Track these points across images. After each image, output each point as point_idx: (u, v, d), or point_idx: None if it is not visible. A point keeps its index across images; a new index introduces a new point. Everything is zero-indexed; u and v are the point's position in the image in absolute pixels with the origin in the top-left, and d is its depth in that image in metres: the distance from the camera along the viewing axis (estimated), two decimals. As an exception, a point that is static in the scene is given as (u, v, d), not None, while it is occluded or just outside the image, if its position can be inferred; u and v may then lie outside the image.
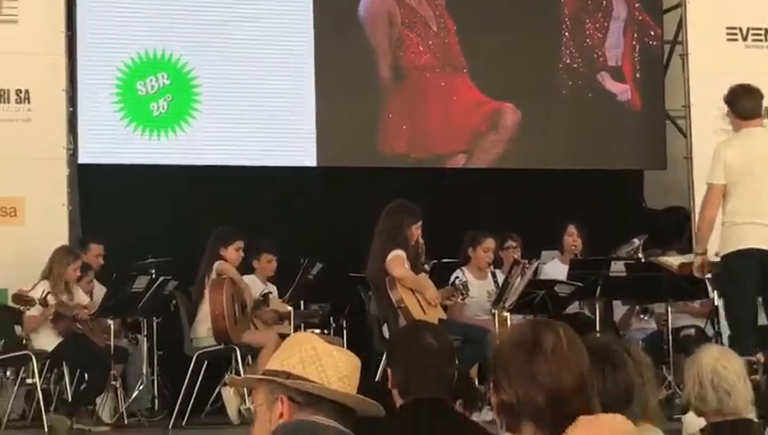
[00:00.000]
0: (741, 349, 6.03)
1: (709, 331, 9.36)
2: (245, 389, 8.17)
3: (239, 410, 9.11)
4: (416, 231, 9.01)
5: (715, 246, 8.42)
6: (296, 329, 9.70)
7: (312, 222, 11.67)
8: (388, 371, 3.97)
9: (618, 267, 9.60)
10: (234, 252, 9.70)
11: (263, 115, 11.43)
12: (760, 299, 8.64)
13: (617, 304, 10.58)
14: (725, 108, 8.47)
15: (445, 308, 9.44)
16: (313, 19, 11.55)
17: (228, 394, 9.22)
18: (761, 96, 8.41)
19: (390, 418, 3.65)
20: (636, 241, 10.45)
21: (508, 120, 12.08)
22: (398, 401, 3.91)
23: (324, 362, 3.04)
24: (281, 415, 3.00)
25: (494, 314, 9.27)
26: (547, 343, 2.71)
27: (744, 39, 11.97)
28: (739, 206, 8.11)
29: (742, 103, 8.31)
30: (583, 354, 2.75)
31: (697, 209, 10.74)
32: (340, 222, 11.59)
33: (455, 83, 11.99)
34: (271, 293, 10.15)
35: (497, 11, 12.02)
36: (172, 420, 9.35)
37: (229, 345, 9.49)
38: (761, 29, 11.99)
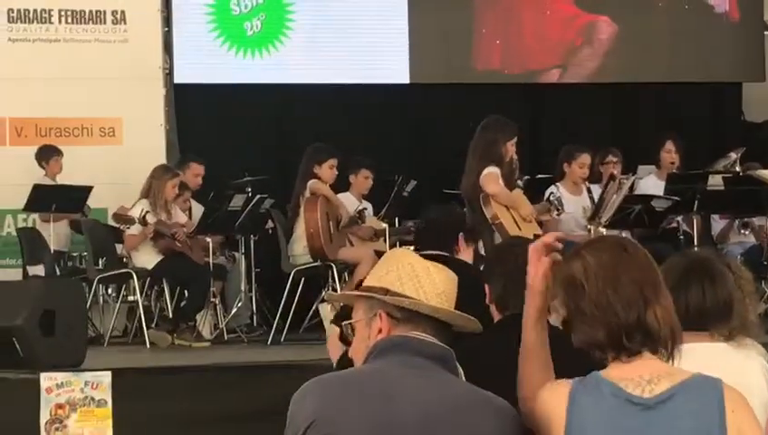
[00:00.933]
0: None
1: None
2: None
3: (335, 326, 9.17)
4: (510, 147, 8.96)
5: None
6: (392, 246, 9.73)
7: (405, 139, 11.68)
8: (486, 286, 3.99)
9: (715, 181, 9.50)
10: (328, 170, 9.73)
11: (355, 33, 11.43)
12: None
13: (715, 218, 10.48)
14: None
15: (540, 224, 9.41)
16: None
17: (325, 310, 9.27)
18: None
19: (488, 333, 3.67)
20: (733, 155, 10.31)
21: (603, 34, 11.94)
22: (496, 317, 3.92)
23: (422, 278, 3.06)
24: (380, 331, 3.03)
25: (589, 230, 9.23)
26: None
27: None
28: None
29: None
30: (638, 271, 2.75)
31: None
32: (434, 139, 11.59)
33: (549, -3, 11.87)
34: (366, 209, 10.20)
35: None
36: (270, 337, 9.47)
37: (325, 262, 9.56)
38: None
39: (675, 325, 2.76)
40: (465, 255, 5.58)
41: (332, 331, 4.96)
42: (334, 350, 4.76)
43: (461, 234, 5.65)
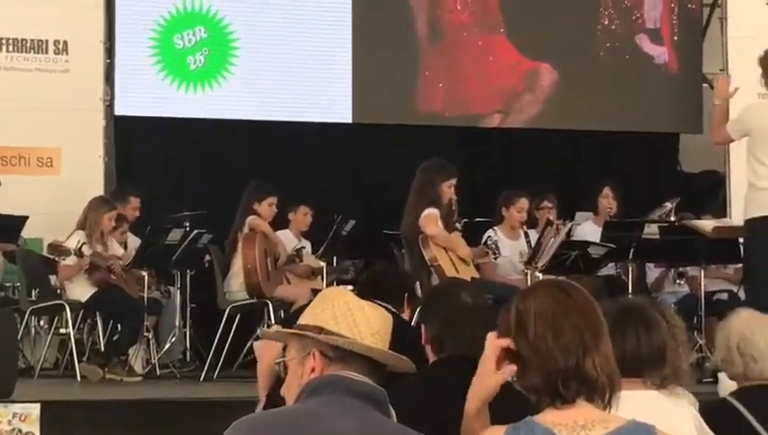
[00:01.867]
0: None
1: (742, 295, 9.33)
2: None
3: (270, 365, 9.13)
4: (449, 189, 9.00)
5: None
6: (329, 285, 9.73)
7: (346, 178, 11.69)
8: (422, 327, 3.99)
9: (651, 230, 9.58)
10: (267, 207, 9.73)
11: (299, 71, 11.44)
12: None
13: (650, 266, 10.57)
14: (760, 70, 8.41)
15: (478, 267, 9.44)
16: (351, -25, 11.54)
17: (260, 348, 9.25)
18: None
19: (422, 374, 3.66)
20: (669, 204, 10.41)
21: (545, 81, 12.03)
22: (431, 358, 3.92)
23: (357, 317, 3.05)
24: (312, 370, 3.01)
25: (526, 274, 9.28)
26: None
27: (785, 3, 11.87)
28: (763, 170, 8.08)
29: None
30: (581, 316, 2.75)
31: (732, 174, 10.77)
32: (374, 179, 11.60)
33: (492, 43, 11.95)
34: (304, 248, 10.19)
35: (536, -30, 11.96)
36: (203, 373, 9.41)
37: (261, 299, 9.53)
38: (801, -7, 11.88)
39: (613, 373, 2.74)
40: (406, 316, 5.61)
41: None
42: (263, 387, 4.74)
43: (406, 294, 5.67)
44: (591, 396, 2.71)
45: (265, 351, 5.05)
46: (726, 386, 4.94)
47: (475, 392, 2.97)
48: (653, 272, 10.62)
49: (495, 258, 9.56)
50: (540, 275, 8.96)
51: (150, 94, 11.19)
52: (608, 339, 2.76)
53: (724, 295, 9.92)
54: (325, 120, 11.56)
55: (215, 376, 9.36)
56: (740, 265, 9.49)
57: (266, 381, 4.94)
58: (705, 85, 12.48)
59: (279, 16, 11.41)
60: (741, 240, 9.10)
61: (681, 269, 10.41)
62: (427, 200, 8.91)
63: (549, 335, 2.70)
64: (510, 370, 2.79)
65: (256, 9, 11.40)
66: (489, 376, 2.89)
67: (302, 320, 3.11)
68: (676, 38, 12.32)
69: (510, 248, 9.81)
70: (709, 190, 12.09)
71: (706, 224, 9.42)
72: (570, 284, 2.85)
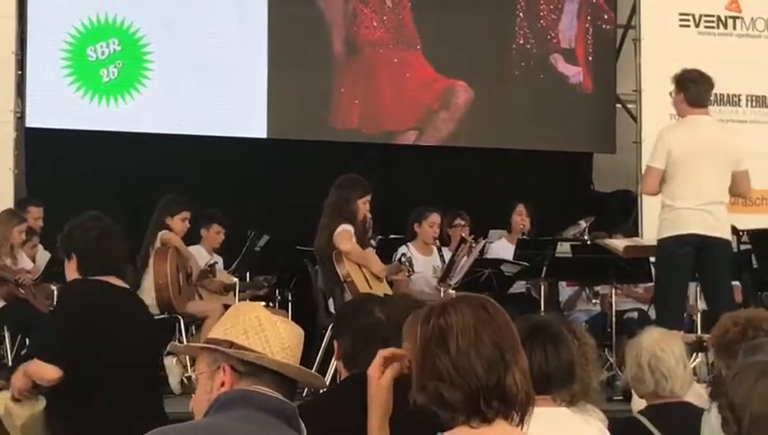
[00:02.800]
0: None
1: (652, 314, 9.42)
2: (188, 358, 8.14)
3: (181, 380, 9.06)
4: (364, 206, 9.00)
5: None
6: (241, 300, 9.67)
7: (260, 194, 11.64)
8: (335, 342, 3.96)
9: (564, 249, 9.65)
10: (180, 222, 9.65)
11: (213, 85, 11.37)
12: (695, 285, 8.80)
13: (562, 285, 10.65)
14: (673, 87, 8.53)
15: (391, 284, 9.44)
16: (267, -10, 11.51)
17: (171, 363, 9.16)
18: (712, 85, 8.49)
19: (334, 390, 3.64)
20: (582, 223, 10.50)
21: (460, 99, 12.08)
22: (343, 374, 3.90)
23: (268, 332, 3.03)
24: (222, 384, 2.99)
25: (439, 291, 9.30)
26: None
27: (697, 25, 12.04)
28: (680, 191, 8.20)
29: (697, 90, 8.38)
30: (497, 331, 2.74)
31: (643, 193, 10.86)
32: (288, 195, 11.57)
33: (408, 60, 11.98)
34: (216, 263, 10.12)
35: (452, -12, 12.01)
36: (113, 389, 9.28)
37: (173, 315, 9.44)
38: (713, 16, 12.06)
39: (530, 390, 2.73)
40: None
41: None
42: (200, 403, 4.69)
43: None
44: (509, 413, 2.70)
45: None
46: (638, 405, 4.99)
47: (372, 408, 2.96)
48: (566, 290, 10.70)
49: (409, 275, 9.57)
50: (453, 293, 8.97)
51: (62, 107, 11.06)
52: (524, 356, 2.75)
53: (635, 314, 10.01)
54: (240, 135, 11.50)
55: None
56: (650, 284, 9.60)
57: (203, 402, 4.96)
58: (618, 106, 12.62)
59: (194, 30, 11.34)
60: (652, 259, 9.21)
61: (596, 288, 10.52)
62: (342, 217, 8.90)
63: (472, 351, 2.68)
64: (393, 370, 2.78)
65: (171, 22, 11.32)
66: (377, 387, 2.88)
67: (212, 334, 3.09)
68: (590, 58, 12.43)
69: (423, 264, 9.83)
70: (622, 210, 12.21)
71: (618, 243, 9.51)
72: (488, 300, 2.83)
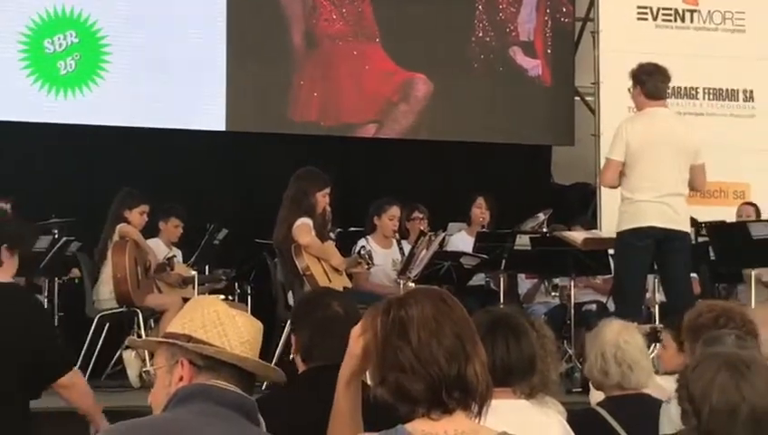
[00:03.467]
0: None
1: (611, 306, 9.47)
2: (147, 352, 8.10)
3: (140, 374, 9.03)
4: (323, 199, 8.99)
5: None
6: (200, 294, 9.64)
7: (219, 187, 11.60)
8: (292, 336, 3.96)
9: (523, 241, 9.67)
10: (138, 215, 9.61)
11: (172, 77, 11.32)
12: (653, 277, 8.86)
13: (521, 277, 10.68)
14: (632, 83, 8.57)
15: (350, 277, 9.44)
16: (227, -18, 11.47)
17: (129, 357, 9.12)
18: (669, 78, 8.53)
19: (293, 384, 3.63)
20: (541, 215, 10.53)
21: (420, 92, 12.09)
22: (301, 368, 3.89)
23: (226, 325, 3.02)
24: (181, 378, 2.97)
25: (399, 284, 9.30)
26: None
27: (655, 18, 12.09)
28: (639, 183, 8.24)
29: (653, 83, 8.42)
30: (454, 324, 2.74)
31: (603, 187, 10.91)
32: (247, 188, 11.54)
33: (367, 52, 11.97)
34: (175, 256, 10.08)
35: (412, -19, 12.01)
36: (71, 383, 9.23)
37: (131, 308, 9.41)
38: (671, 9, 12.11)
39: (489, 382, 2.74)
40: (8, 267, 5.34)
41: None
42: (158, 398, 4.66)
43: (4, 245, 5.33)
44: (469, 405, 2.70)
45: None
46: (597, 396, 5.01)
47: (345, 363, 2.97)
48: (525, 283, 10.73)
49: (368, 268, 9.57)
50: (412, 286, 8.97)
51: (20, 99, 10.98)
52: (482, 348, 2.76)
53: (593, 307, 10.06)
54: (199, 127, 11.45)
55: (83, 386, 9.18)
56: (609, 275, 9.64)
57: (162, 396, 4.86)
58: (577, 98, 12.66)
59: (152, 22, 11.28)
60: (610, 252, 9.25)
61: (555, 281, 10.56)
62: (301, 210, 8.89)
63: (433, 342, 2.67)
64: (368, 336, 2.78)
65: (129, 14, 11.26)
66: (355, 344, 2.88)
67: (170, 328, 3.08)
68: (549, 51, 12.47)
69: (383, 257, 9.83)
70: (580, 202, 12.25)
71: (577, 235, 9.55)
72: (445, 292, 2.84)
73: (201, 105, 11.43)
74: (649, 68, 8.49)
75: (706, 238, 9.30)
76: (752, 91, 12.26)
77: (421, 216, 10.55)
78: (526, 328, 3.69)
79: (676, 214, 8.27)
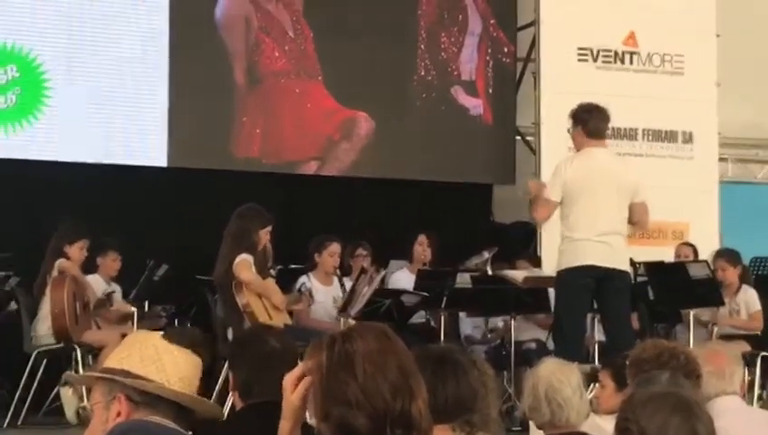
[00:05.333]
0: None
1: (551, 344, 9.51)
2: (84, 388, 8.03)
3: (77, 411, 8.95)
4: (264, 236, 8.97)
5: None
6: (139, 329, 9.56)
7: (160, 223, 11.53)
8: (230, 373, 3.94)
9: (464, 279, 9.69)
10: (77, 250, 9.55)
11: (114, 113, 11.28)
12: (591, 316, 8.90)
13: (462, 316, 10.70)
14: (572, 124, 8.63)
15: (291, 314, 9.41)
16: (169, 19, 11.44)
17: (67, 394, 9.05)
18: (609, 118, 8.61)
19: (230, 421, 3.61)
20: (486, 254, 10.55)
21: (362, 129, 12.11)
22: (239, 404, 3.87)
23: (165, 361, 3.00)
24: (118, 414, 2.95)
25: (340, 321, 9.27)
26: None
27: (595, 60, 12.21)
28: (577, 222, 8.29)
29: (594, 123, 8.48)
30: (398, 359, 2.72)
31: (543, 226, 10.98)
32: (188, 224, 11.47)
33: (309, 90, 11.99)
34: (114, 292, 10.01)
35: (354, 19, 12.05)
36: (7, 420, 9.14)
37: (69, 344, 9.32)
38: (611, 51, 12.25)
39: (430, 420, 2.71)
40: None
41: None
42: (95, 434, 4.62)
43: None
44: None
45: None
46: None
47: (284, 416, 2.91)
48: (464, 323, 10.77)
49: (309, 305, 9.55)
50: (353, 323, 8.95)
51: (-42, 132, 10.89)
52: (423, 384, 2.74)
53: (533, 345, 10.09)
54: (140, 163, 11.40)
55: (19, 423, 9.10)
56: (549, 313, 9.68)
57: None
58: (517, 138, 12.74)
59: (94, 57, 11.24)
60: (551, 290, 9.29)
61: (490, 325, 10.63)
62: (242, 246, 8.86)
63: (379, 376, 2.63)
64: (306, 382, 2.74)
65: (71, 49, 11.20)
66: (288, 396, 2.83)
67: (108, 363, 3.05)
68: (490, 91, 12.54)
69: (324, 294, 9.81)
70: (521, 241, 12.30)
71: (518, 274, 9.59)
72: (386, 327, 2.81)
73: (142, 141, 11.38)
74: (589, 108, 8.56)
75: (645, 278, 9.36)
76: (691, 133, 12.40)
77: (365, 253, 10.56)
78: (467, 365, 3.69)
79: (615, 253, 8.32)
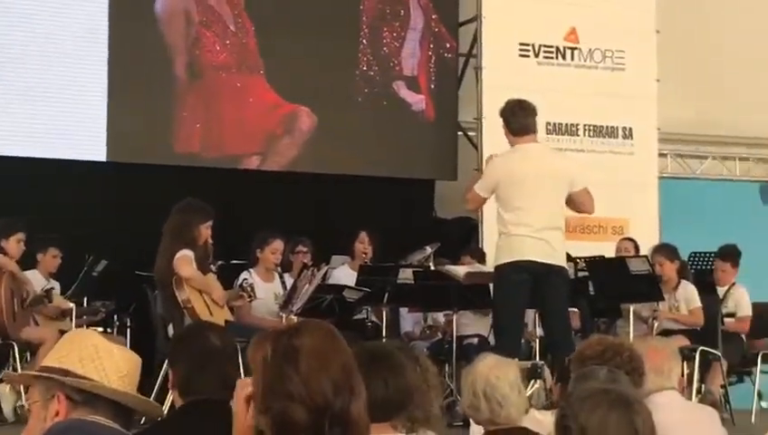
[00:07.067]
0: None
1: (493, 340, 9.53)
2: (22, 386, 7.95)
3: (15, 408, 8.87)
4: (205, 231, 8.92)
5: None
6: (78, 326, 9.49)
7: (99, 218, 11.44)
8: (169, 371, 3.91)
9: (406, 275, 9.69)
10: (14, 244, 9.47)
11: (53, 107, 11.17)
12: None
13: (402, 313, 10.71)
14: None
15: (232, 310, 9.37)
16: (108, 13, 11.35)
17: (4, 391, 8.97)
18: (534, 112, 8.60)
19: (170, 419, 3.59)
20: (428, 249, 10.56)
21: (303, 124, 12.08)
22: (178, 402, 3.84)
23: (104, 359, 2.98)
24: (57, 413, 2.92)
25: (281, 318, 9.25)
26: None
27: (536, 55, 12.27)
28: (514, 218, 8.32)
29: (516, 120, 8.51)
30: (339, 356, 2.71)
31: (485, 220, 11.04)
32: (128, 219, 11.39)
33: (251, 84, 11.94)
34: (53, 288, 9.93)
35: (296, 14, 12.02)
36: (-57, 418, 9.05)
37: (7, 341, 9.23)
38: (552, 47, 12.31)
39: (368, 421, 2.71)
40: None
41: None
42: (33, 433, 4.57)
43: None
44: None
45: None
46: (477, 430, 5.02)
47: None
48: (405, 320, 10.78)
49: (250, 300, 9.51)
50: (294, 319, 8.94)
51: None
52: (363, 385, 2.74)
53: (475, 340, 10.11)
54: (79, 157, 11.31)
55: (-45, 421, 9.01)
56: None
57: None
58: (460, 133, 12.76)
59: (32, 51, 11.13)
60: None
61: (429, 322, 10.65)
62: (182, 241, 8.81)
63: (322, 373, 2.63)
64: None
65: (7, 42, 11.09)
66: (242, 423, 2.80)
67: (46, 362, 3.02)
68: (433, 86, 12.55)
69: (265, 291, 9.78)
70: (463, 236, 12.33)
71: (459, 269, 9.60)
72: (332, 326, 2.80)
73: (81, 135, 11.28)
74: (511, 107, 8.57)
75: (586, 273, 9.41)
76: (631, 129, 12.49)
77: (305, 249, 10.53)
78: (403, 362, 3.69)
79: (553, 249, 8.35)
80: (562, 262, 8.53)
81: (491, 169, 8.52)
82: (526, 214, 8.30)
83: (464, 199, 8.93)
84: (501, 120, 8.66)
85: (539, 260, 8.29)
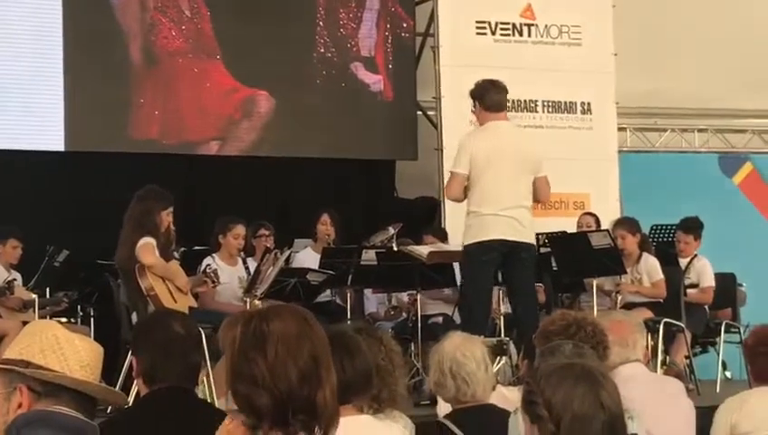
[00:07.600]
0: None
1: (457, 318, 9.55)
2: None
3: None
4: (166, 218, 8.87)
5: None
6: (41, 317, 9.44)
7: (58, 208, 11.38)
8: (133, 359, 3.89)
9: (369, 256, 9.69)
10: (-25, 237, 9.41)
11: (8, 97, 11.08)
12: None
13: (367, 294, 10.71)
14: (472, 102, 8.69)
15: (196, 296, 9.34)
16: (62, 0, 11.27)
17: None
18: (506, 90, 8.66)
19: (135, 408, 3.57)
20: (391, 229, 10.57)
21: (262, 108, 12.04)
22: (143, 390, 3.83)
23: (66, 350, 2.96)
24: (19, 405, 2.90)
25: (245, 302, 9.23)
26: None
27: (493, 33, 12.26)
28: (483, 197, 8.33)
29: (490, 97, 8.54)
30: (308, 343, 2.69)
31: (447, 200, 11.03)
32: (88, 208, 11.33)
33: (208, 69, 11.89)
34: (15, 280, 9.87)
35: (252, -2, 11.97)
36: None
37: (-31, 334, 9.17)
38: (508, 24, 12.31)
39: (337, 409, 2.71)
40: None
41: None
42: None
43: None
44: (312, 429, 2.66)
45: None
46: (444, 408, 5.03)
47: None
48: (371, 298, 10.78)
49: (214, 286, 9.48)
50: (258, 303, 8.93)
51: None
52: (334, 372, 2.73)
53: (440, 319, 10.13)
54: (36, 147, 11.23)
55: None
56: (455, 287, 9.72)
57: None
58: (419, 113, 12.76)
59: (-13, 41, 11.04)
60: (455, 264, 9.33)
61: (394, 302, 10.65)
62: (144, 229, 8.76)
63: (289, 360, 2.63)
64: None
65: (-38, 33, 11.00)
66: None
67: (8, 354, 3.01)
68: (390, 66, 12.53)
69: (229, 275, 9.75)
70: (425, 216, 12.34)
71: (422, 249, 9.61)
72: (309, 313, 2.79)
73: (38, 125, 11.21)
74: (484, 83, 8.62)
75: (548, 249, 9.44)
76: (589, 104, 12.51)
77: (267, 233, 10.50)
78: (360, 344, 3.69)
79: (522, 226, 8.38)
80: (531, 239, 8.58)
81: (463, 147, 8.52)
82: (495, 192, 8.33)
83: (447, 195, 8.92)
84: (470, 100, 8.67)
85: (508, 239, 8.32)
